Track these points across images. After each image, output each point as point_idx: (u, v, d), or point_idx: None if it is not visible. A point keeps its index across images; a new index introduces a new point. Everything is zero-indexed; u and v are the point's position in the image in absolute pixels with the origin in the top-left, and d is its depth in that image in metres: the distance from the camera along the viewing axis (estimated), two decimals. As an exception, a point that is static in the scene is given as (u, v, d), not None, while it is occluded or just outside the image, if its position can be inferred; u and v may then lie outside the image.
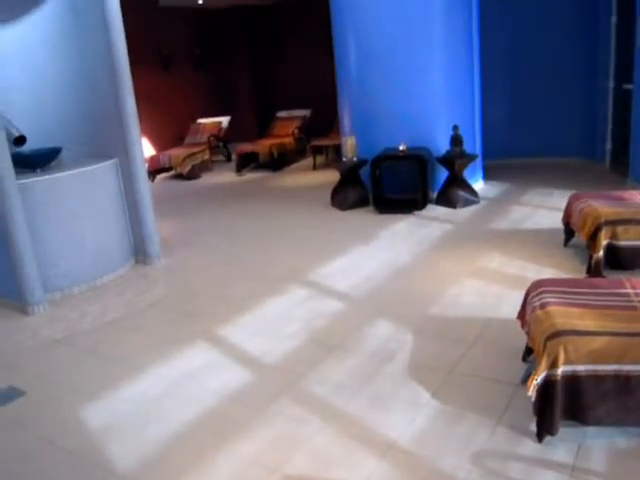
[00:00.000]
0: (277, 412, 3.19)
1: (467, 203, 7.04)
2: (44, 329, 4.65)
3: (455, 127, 6.90)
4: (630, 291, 3.01)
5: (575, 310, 2.83)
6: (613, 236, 4.44)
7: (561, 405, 2.61)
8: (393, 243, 5.97)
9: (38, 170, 5.31)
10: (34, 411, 3.49)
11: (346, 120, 7.81)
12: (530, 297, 3.18)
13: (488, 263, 5.15)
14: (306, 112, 12.33)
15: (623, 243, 4.44)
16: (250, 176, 10.78)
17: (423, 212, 6.98)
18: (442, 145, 7.14)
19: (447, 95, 7.26)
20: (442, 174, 7.25)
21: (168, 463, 2.87)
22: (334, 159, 9.82)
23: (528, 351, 3.32)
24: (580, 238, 4.91)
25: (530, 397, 2.66)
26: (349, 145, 7.36)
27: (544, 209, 6.58)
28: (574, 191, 5.57)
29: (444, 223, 6.50)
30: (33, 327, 4.71)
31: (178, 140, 12.35)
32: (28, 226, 4.83)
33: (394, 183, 7.24)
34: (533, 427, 2.74)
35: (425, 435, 2.86)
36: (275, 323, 4.37)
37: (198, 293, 5.19)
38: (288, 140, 11.52)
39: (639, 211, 4.50)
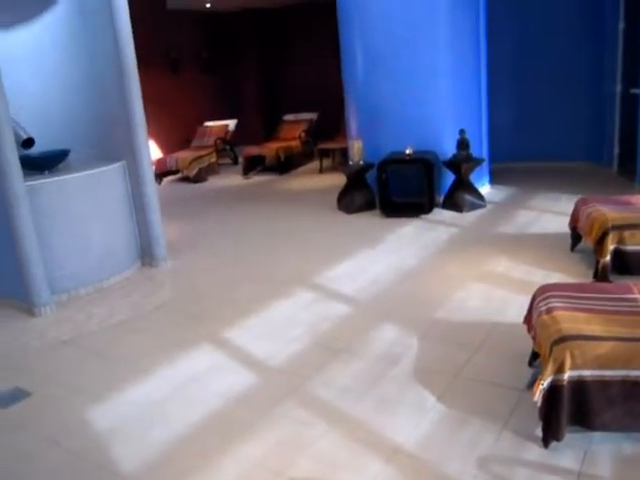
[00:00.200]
0: (282, 415, 3.19)
1: (473, 207, 7.03)
2: (51, 330, 4.67)
3: (462, 131, 6.90)
4: (637, 296, 2.99)
5: (582, 315, 2.82)
6: (620, 241, 4.42)
7: (567, 410, 2.60)
8: (399, 247, 5.97)
9: (46, 172, 5.34)
10: (40, 412, 3.50)
11: (353, 123, 7.81)
12: (536, 302, 3.17)
13: (494, 267, 5.14)
14: (313, 115, 12.35)
15: (630, 248, 4.42)
16: (257, 179, 10.80)
17: (429, 216, 6.98)
18: (449, 149, 7.13)
19: (454, 99, 7.26)
20: (448, 178, 7.25)
21: (173, 465, 2.88)
22: (341, 162, 9.83)
23: (534, 356, 3.31)
24: (587, 243, 4.89)
25: (536, 402, 2.64)
26: (356, 148, 7.36)
27: (551, 213, 6.56)
28: (581, 195, 5.55)
29: (450, 227, 6.49)
30: (40, 328, 4.73)
31: (185, 143, 12.39)
32: (35, 228, 4.86)
33: (400, 187, 7.24)
34: (539, 432, 2.73)
35: (430, 439, 2.86)
36: (281, 326, 4.37)
37: (204, 295, 5.20)
38: (295, 143, 11.54)
39: (646, 216, 4.49)
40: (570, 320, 2.77)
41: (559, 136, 8.95)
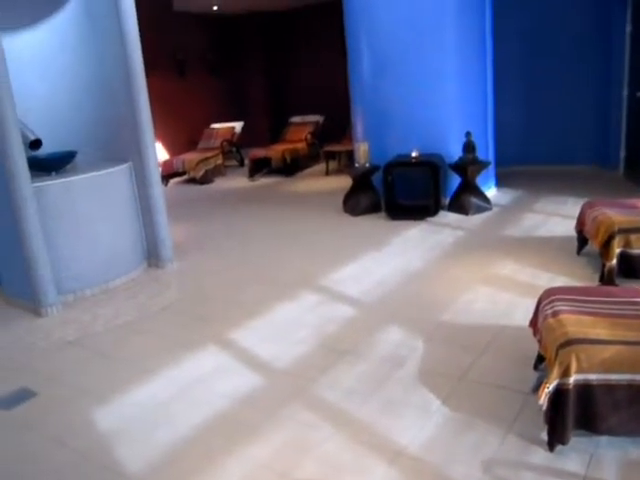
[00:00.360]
0: (287, 417, 3.19)
1: (479, 210, 7.02)
2: (57, 331, 4.68)
3: (468, 134, 6.89)
4: (643, 300, 2.98)
5: (588, 318, 2.81)
6: (626, 244, 4.40)
7: (573, 414, 2.59)
8: (405, 249, 5.96)
9: (53, 173, 5.37)
10: (45, 412, 3.52)
11: (359, 126, 7.82)
12: (542, 305, 3.17)
13: (500, 270, 5.13)
14: (319, 118, 12.37)
15: (636, 251, 4.40)
16: (263, 181, 10.82)
17: (435, 218, 6.98)
18: (455, 152, 7.13)
19: (460, 102, 7.26)
20: (454, 181, 7.24)
21: (177, 466, 2.88)
22: (346, 165, 9.86)
23: (540, 359, 3.30)
24: (593, 246, 4.88)
25: (541, 405, 2.64)
26: (362, 151, 7.37)
27: (557, 217, 6.55)
28: (587, 199, 5.53)
29: (456, 230, 6.48)
30: (46, 329, 4.75)
31: (191, 145, 12.44)
32: (42, 228, 4.88)
33: (406, 189, 7.24)
34: (544, 436, 2.72)
35: (435, 442, 2.85)
36: (286, 328, 4.37)
37: (210, 297, 5.21)
38: (301, 145, 11.56)
39: (653, 219, 4.47)
40: (576, 324, 2.77)
41: (565, 139, 8.94)
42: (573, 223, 5.32)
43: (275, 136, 13.15)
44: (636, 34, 7.71)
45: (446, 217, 7.02)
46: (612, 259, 4.42)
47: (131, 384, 3.73)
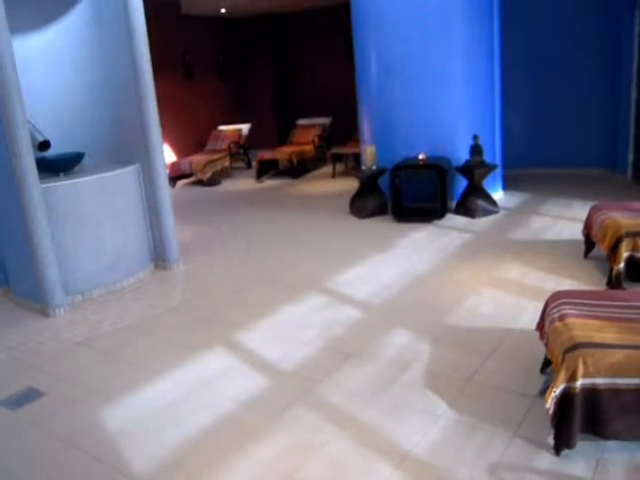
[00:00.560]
0: (293, 419, 3.20)
1: (486, 213, 7.01)
2: (64, 331, 4.71)
3: (475, 137, 6.89)
4: (651, 304, 2.97)
5: (595, 322, 2.81)
6: (634, 248, 4.39)
7: (579, 418, 2.59)
8: (411, 252, 5.96)
9: (61, 174, 5.40)
10: (52, 412, 3.53)
11: (366, 128, 7.82)
12: (549, 308, 3.16)
13: (507, 273, 5.12)
14: (326, 120, 12.38)
15: (644, 255, 4.39)
16: (270, 183, 10.83)
17: (442, 221, 6.97)
18: (462, 155, 7.12)
19: (467, 104, 7.25)
20: (461, 184, 7.23)
21: (184, 467, 2.89)
22: (353, 167, 9.85)
23: (546, 363, 3.30)
24: (600, 250, 4.87)
25: (548, 409, 2.63)
26: (369, 153, 7.37)
27: (564, 220, 6.53)
28: (595, 202, 5.52)
29: (463, 233, 6.47)
30: (53, 329, 4.77)
31: (199, 147, 12.47)
32: (50, 229, 4.91)
33: (413, 192, 7.24)
34: (550, 440, 2.72)
35: (441, 445, 2.85)
36: (292, 330, 4.38)
37: (216, 298, 5.22)
38: (308, 148, 11.57)
39: (661, 223, 4.45)
40: (583, 327, 2.76)
41: (573, 142, 8.92)
42: (580, 226, 5.31)
43: (282, 138, 13.18)
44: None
45: (453, 220, 7.01)
46: (620, 263, 4.40)
47: (138, 385, 3.74)
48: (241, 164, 12.72)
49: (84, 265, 5.30)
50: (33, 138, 5.13)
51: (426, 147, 7.11)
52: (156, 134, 5.76)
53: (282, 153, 11.07)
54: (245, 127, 12.62)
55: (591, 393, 2.57)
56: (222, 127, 12.75)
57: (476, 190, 7.03)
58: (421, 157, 6.99)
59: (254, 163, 11.74)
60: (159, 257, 6.09)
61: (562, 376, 2.60)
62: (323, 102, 13.34)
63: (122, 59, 5.60)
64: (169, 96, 11.26)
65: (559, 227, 6.32)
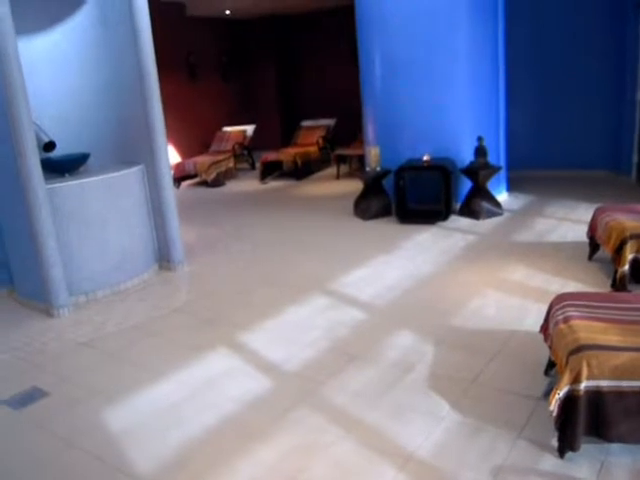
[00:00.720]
0: (296, 420, 3.20)
1: (490, 215, 7.00)
2: (68, 332, 4.72)
3: (480, 138, 6.88)
4: (656, 307, 2.96)
5: (599, 325, 2.80)
6: (639, 250, 4.38)
7: (583, 421, 2.58)
8: (415, 253, 5.95)
9: (66, 175, 5.42)
10: (56, 412, 3.54)
11: (370, 130, 7.82)
12: (553, 310, 3.15)
13: (511, 275, 5.11)
14: (331, 122, 12.38)
15: (649, 258, 4.38)
16: (274, 184, 10.84)
17: (446, 223, 6.96)
18: (466, 156, 7.12)
19: (472, 106, 7.25)
20: (466, 185, 7.23)
21: (187, 468, 2.89)
22: (358, 168, 9.84)
23: (550, 365, 3.29)
24: (605, 252, 4.85)
25: (552, 412, 2.62)
26: (373, 155, 7.37)
27: (569, 222, 6.52)
28: (599, 204, 5.51)
29: (467, 234, 6.47)
30: (57, 329, 4.78)
31: (203, 148, 12.49)
32: (55, 229, 4.92)
33: (417, 193, 7.23)
34: (554, 442, 2.71)
35: (444, 447, 2.85)
36: (296, 331, 4.38)
37: (220, 299, 5.23)
38: (312, 149, 11.57)
39: (666, 226, 4.44)
40: (587, 330, 2.75)
41: (577, 144, 8.90)
42: (585, 228, 5.30)
43: (286, 139, 13.19)
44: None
45: (457, 222, 7.00)
46: (624, 265, 4.39)
47: (142, 385, 3.75)
48: (245, 165, 12.74)
49: (89, 265, 5.31)
50: (38, 139, 5.16)
51: (430, 148, 7.10)
52: (161, 135, 5.78)
53: (286, 154, 11.08)
54: (250, 128, 12.63)
55: (595, 395, 2.56)
56: (227, 128, 12.77)
57: (480, 192, 7.02)
58: (425, 158, 6.98)
59: (258, 164, 11.75)
60: (163, 258, 6.11)
61: (566, 378, 2.59)
62: (327, 103, 13.35)
63: (127, 60, 5.62)
64: (174, 97, 11.29)
65: (563, 229, 6.30)
